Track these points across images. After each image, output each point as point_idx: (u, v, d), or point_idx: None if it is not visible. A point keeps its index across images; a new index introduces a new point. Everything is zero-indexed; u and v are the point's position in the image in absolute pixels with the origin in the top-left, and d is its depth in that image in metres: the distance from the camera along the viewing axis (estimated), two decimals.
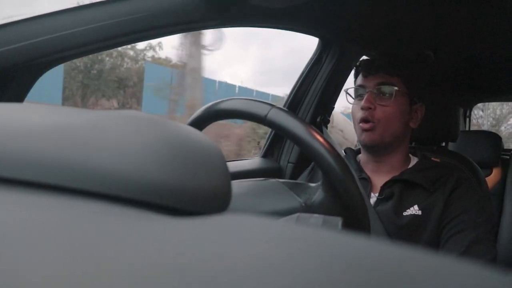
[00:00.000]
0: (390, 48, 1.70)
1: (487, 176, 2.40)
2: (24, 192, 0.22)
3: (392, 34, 1.57)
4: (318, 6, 1.29)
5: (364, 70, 1.19)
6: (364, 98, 1.14)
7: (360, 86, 1.19)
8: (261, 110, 0.69)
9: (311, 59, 1.74)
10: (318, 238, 0.19)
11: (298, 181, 0.76)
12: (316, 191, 0.70)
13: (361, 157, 1.29)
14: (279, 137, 1.79)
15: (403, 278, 0.15)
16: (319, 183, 0.70)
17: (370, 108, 1.13)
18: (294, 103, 1.76)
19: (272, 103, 0.70)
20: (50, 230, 0.18)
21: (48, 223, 0.19)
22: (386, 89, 1.14)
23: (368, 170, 1.24)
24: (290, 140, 0.69)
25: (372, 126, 1.13)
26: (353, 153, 1.33)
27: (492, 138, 2.49)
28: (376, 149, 1.19)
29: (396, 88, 1.14)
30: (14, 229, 0.18)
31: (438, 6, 1.28)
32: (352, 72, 1.29)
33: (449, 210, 1.08)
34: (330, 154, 0.65)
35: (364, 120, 1.14)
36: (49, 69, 0.88)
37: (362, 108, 1.14)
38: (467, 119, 3.34)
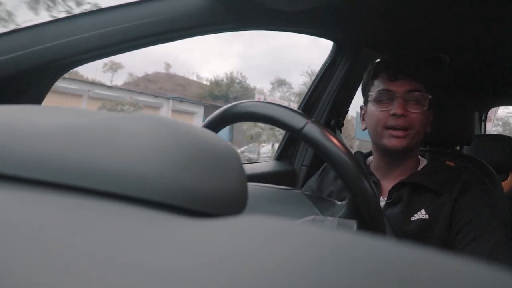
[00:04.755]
0: (405, 51, 1.68)
1: (503, 180, 2.37)
2: (43, 192, 0.22)
3: (408, 38, 1.56)
4: (333, 9, 1.29)
5: (391, 73, 1.14)
6: (397, 104, 1.10)
7: (387, 90, 1.14)
8: (297, 122, 0.67)
9: (326, 62, 1.73)
10: (334, 240, 0.19)
11: (324, 196, 0.75)
12: (341, 210, 0.68)
13: (372, 160, 1.26)
14: (293, 140, 1.79)
15: (421, 280, 0.15)
16: (345, 202, 0.69)
17: (403, 115, 1.10)
18: (308, 105, 1.75)
19: (307, 116, 0.68)
20: (69, 229, 0.18)
21: (66, 223, 0.19)
22: (416, 96, 1.12)
23: (378, 174, 1.22)
24: (323, 158, 0.67)
25: (404, 134, 1.11)
26: (362, 156, 1.31)
27: (508, 142, 2.46)
28: (398, 154, 1.17)
29: (430, 96, 1.12)
30: (35, 228, 0.18)
31: (454, 9, 1.27)
32: None
33: (460, 215, 1.06)
34: (365, 179, 0.64)
35: (395, 127, 1.11)
36: (67, 71, 0.89)
37: (394, 114, 1.10)
38: (483, 123, 3.30)
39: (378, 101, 1.16)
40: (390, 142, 1.12)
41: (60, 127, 0.26)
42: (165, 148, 0.25)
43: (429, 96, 1.12)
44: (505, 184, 2.33)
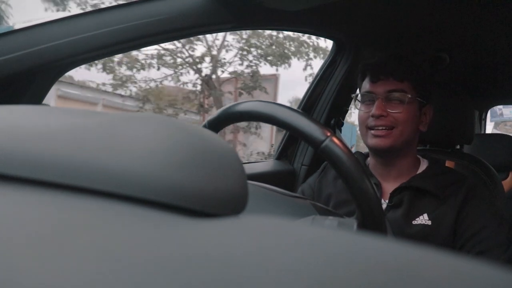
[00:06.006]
0: (405, 50, 1.69)
1: (503, 179, 2.36)
2: (46, 193, 0.22)
3: (407, 37, 1.56)
4: (333, 9, 1.29)
5: (373, 75, 1.14)
6: (375, 105, 1.10)
7: (369, 92, 1.14)
8: (318, 135, 0.66)
9: (326, 61, 1.73)
10: (335, 239, 0.19)
11: (333, 210, 0.74)
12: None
13: (370, 161, 1.26)
14: (293, 139, 1.79)
15: (421, 279, 0.15)
16: (353, 217, 0.68)
17: (382, 116, 1.10)
18: (308, 105, 1.75)
19: (330, 130, 0.67)
20: (70, 230, 0.18)
21: (67, 223, 0.19)
22: (397, 96, 1.11)
23: (377, 175, 1.21)
24: (338, 175, 0.66)
25: (386, 133, 1.10)
26: (362, 157, 1.30)
27: (508, 141, 2.45)
28: (386, 154, 1.16)
29: (409, 95, 1.10)
30: (36, 229, 0.18)
31: (454, 8, 1.27)
32: None
33: (466, 225, 1.05)
34: (377, 201, 0.64)
35: (376, 127, 1.11)
36: (67, 71, 0.89)
37: (373, 116, 1.10)
38: (483, 122, 3.29)
39: (362, 102, 1.17)
40: (372, 141, 1.13)
41: (61, 127, 0.26)
42: (166, 148, 0.25)
43: (408, 95, 1.10)
44: (505, 184, 2.33)
